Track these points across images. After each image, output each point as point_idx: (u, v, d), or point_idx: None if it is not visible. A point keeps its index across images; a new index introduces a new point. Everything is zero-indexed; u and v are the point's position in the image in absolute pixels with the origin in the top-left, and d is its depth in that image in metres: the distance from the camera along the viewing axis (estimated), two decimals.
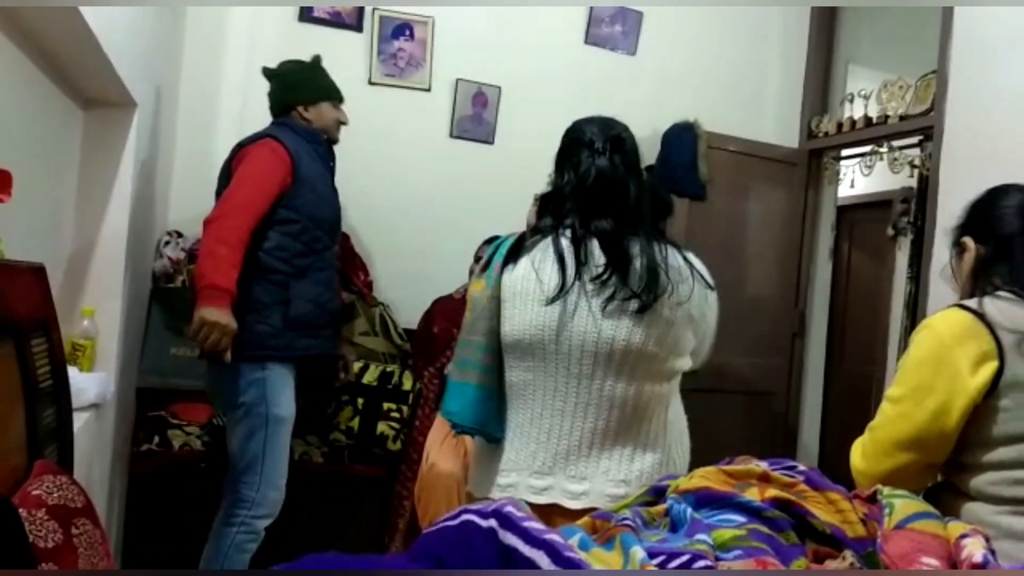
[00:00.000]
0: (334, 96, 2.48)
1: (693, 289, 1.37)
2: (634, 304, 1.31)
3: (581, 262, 1.35)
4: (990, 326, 1.29)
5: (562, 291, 1.34)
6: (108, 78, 1.87)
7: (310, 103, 2.43)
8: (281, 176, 2.22)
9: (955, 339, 1.30)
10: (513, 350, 1.40)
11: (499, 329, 1.40)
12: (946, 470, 1.41)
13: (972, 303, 1.34)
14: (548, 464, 1.37)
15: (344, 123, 2.51)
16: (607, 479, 1.34)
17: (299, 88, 2.44)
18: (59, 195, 2.00)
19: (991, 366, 1.27)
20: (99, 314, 2.10)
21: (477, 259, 2.71)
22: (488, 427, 1.42)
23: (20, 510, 0.98)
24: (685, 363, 1.43)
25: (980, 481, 1.32)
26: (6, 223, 1.43)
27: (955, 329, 1.31)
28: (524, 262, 1.40)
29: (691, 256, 1.43)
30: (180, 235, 2.85)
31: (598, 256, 1.36)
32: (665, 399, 1.41)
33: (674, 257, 1.39)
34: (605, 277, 1.33)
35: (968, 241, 1.48)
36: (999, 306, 1.32)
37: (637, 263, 1.34)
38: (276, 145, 2.24)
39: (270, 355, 2.21)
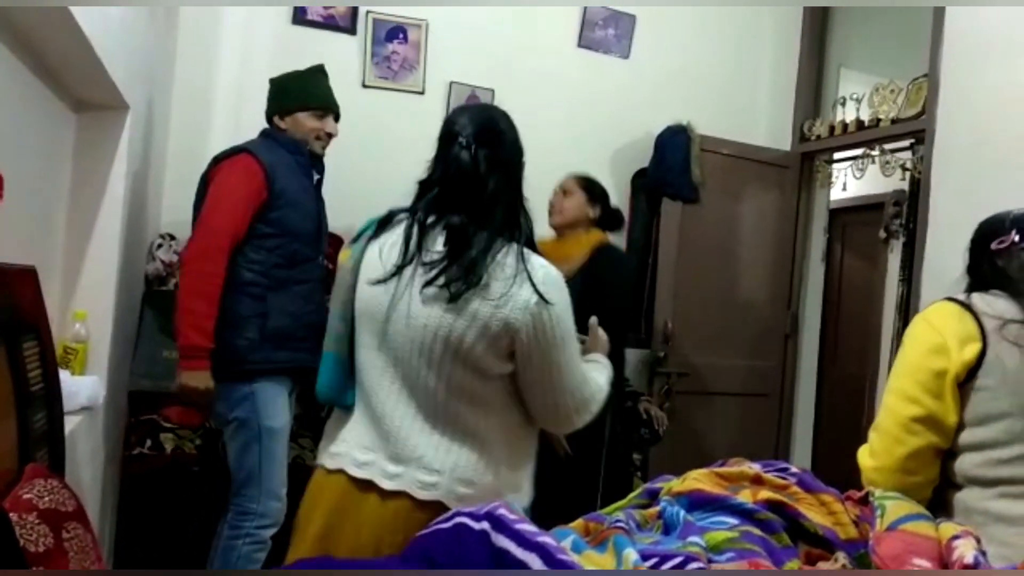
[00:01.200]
0: (313, 104, 2.38)
1: (510, 292, 1.31)
2: (445, 293, 1.31)
3: (417, 248, 1.36)
4: (974, 313, 1.37)
5: (397, 272, 1.36)
6: (101, 81, 1.87)
7: (284, 113, 2.36)
8: (254, 193, 2.19)
9: (942, 321, 1.38)
10: (358, 323, 1.43)
11: (353, 300, 1.43)
12: None
13: (960, 296, 1.42)
14: (371, 441, 1.39)
15: (331, 134, 2.42)
16: (420, 466, 1.34)
17: (277, 97, 2.40)
18: (51, 198, 1.99)
19: (975, 346, 1.34)
20: (91, 317, 2.09)
21: None
22: (340, 397, 1.45)
23: (11, 514, 0.98)
24: (504, 366, 1.37)
25: (964, 464, 1.36)
26: None
27: (943, 314, 1.40)
28: (380, 239, 1.42)
29: (538, 264, 1.37)
30: (173, 238, 2.84)
31: (438, 245, 1.36)
32: (488, 398, 1.38)
33: (510, 258, 1.35)
34: (433, 266, 1.34)
35: None
36: (986, 299, 1.40)
37: (468, 256, 1.33)
38: (249, 161, 2.20)
39: (252, 371, 2.21)
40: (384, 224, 1.45)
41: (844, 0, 3.86)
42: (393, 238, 1.41)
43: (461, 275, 1.31)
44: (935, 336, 1.37)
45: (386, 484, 1.34)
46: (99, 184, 2.13)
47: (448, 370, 1.34)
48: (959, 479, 1.37)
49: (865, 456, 1.45)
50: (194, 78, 3.04)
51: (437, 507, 1.29)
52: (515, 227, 1.38)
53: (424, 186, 1.44)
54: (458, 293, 1.30)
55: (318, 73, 2.45)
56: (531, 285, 1.32)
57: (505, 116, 1.51)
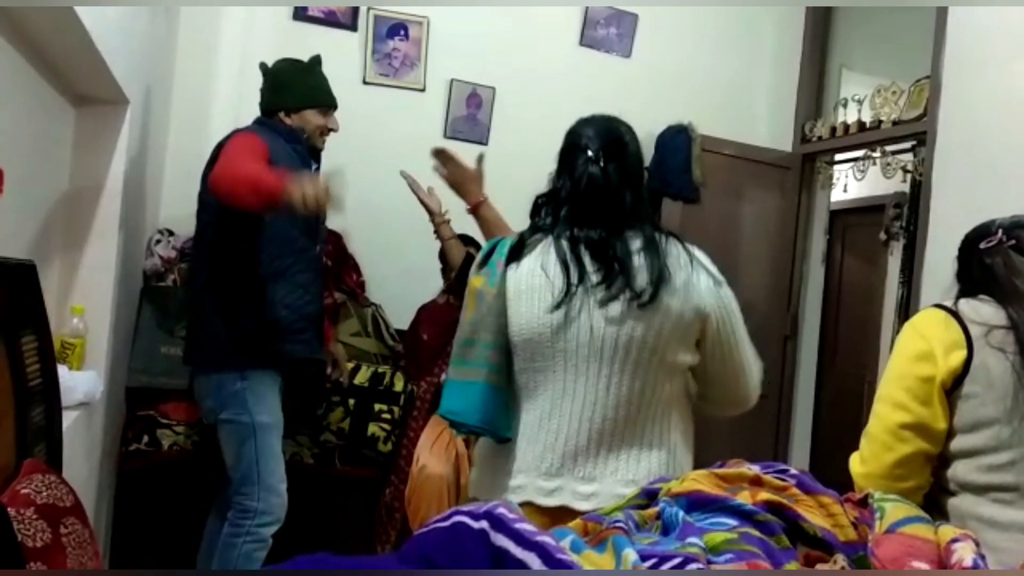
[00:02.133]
0: (322, 102, 2.38)
1: (691, 278, 1.36)
2: (635, 299, 1.32)
3: (582, 264, 1.36)
4: (960, 320, 1.37)
5: (568, 292, 1.35)
6: (101, 76, 1.86)
7: (294, 109, 2.34)
8: (261, 158, 2.12)
9: (929, 328, 1.39)
10: (522, 349, 1.40)
11: (506, 327, 1.40)
12: None
13: (947, 303, 1.43)
14: (556, 466, 1.36)
15: (333, 130, 2.42)
16: (616, 479, 1.34)
17: (285, 92, 2.36)
18: (50, 192, 1.98)
19: (960, 353, 1.34)
20: (89, 312, 2.09)
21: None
22: (496, 426, 1.41)
23: (9, 509, 0.97)
24: (690, 358, 1.40)
25: (956, 471, 1.37)
26: None
27: (930, 321, 1.40)
28: (529, 261, 1.41)
29: (694, 249, 1.43)
30: (171, 233, 2.83)
31: (589, 261, 1.38)
32: (671, 397, 1.40)
33: (674, 248, 1.39)
34: (604, 281, 1.35)
35: None
36: (972, 304, 1.40)
37: (635, 260, 1.35)
38: (254, 137, 2.17)
39: (247, 362, 2.18)
40: (520, 246, 1.44)
41: (845, 0, 3.86)
42: (540, 259, 1.40)
43: (647, 279, 1.33)
44: (921, 343, 1.38)
45: (582, 505, 1.33)
46: (98, 178, 2.13)
47: (643, 375, 1.35)
48: (952, 486, 1.38)
49: (856, 463, 1.46)
50: (194, 74, 3.03)
51: None
52: (658, 226, 1.43)
53: (553, 200, 1.45)
54: (652, 295, 1.32)
55: (318, 66, 2.42)
56: (705, 270, 1.38)
57: (628, 128, 1.53)
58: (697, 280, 1.37)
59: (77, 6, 1.43)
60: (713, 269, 1.41)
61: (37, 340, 1.30)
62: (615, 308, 1.33)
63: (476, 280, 1.44)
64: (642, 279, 1.33)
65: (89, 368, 2.08)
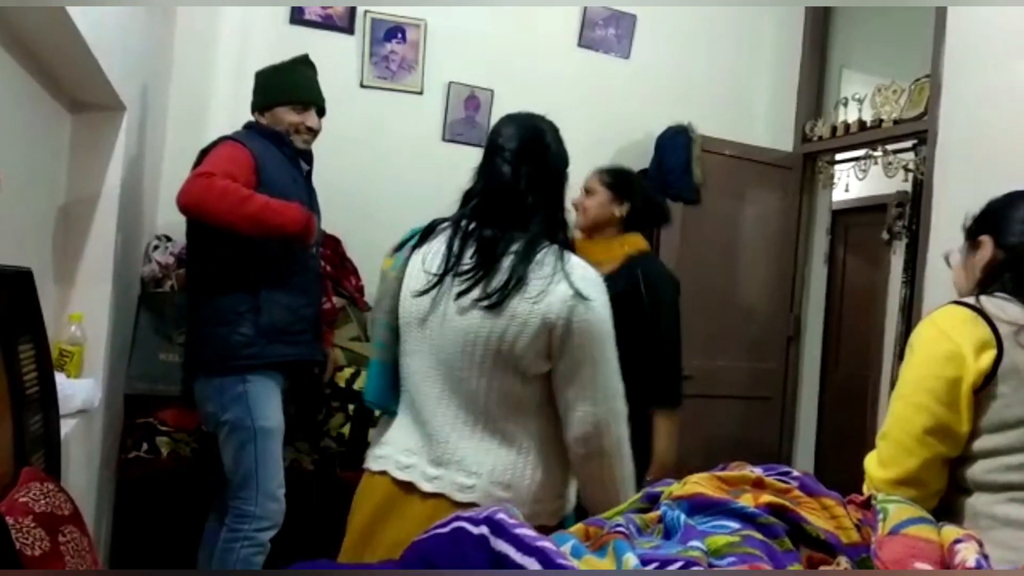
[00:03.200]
0: (294, 99, 2.30)
1: (548, 289, 1.34)
2: (483, 299, 1.35)
3: (456, 258, 1.41)
4: (987, 318, 1.33)
5: (437, 282, 1.40)
6: (97, 81, 1.86)
7: (264, 108, 2.31)
8: (246, 172, 2.11)
9: (955, 328, 1.34)
10: (401, 331, 1.48)
11: (398, 308, 1.47)
12: None
13: (970, 300, 1.38)
14: (414, 444, 1.43)
15: (312, 128, 2.34)
16: (459, 469, 1.38)
17: (258, 91, 2.35)
18: (47, 199, 1.98)
19: (991, 353, 1.31)
20: (87, 319, 2.08)
21: None
22: (386, 402, 1.51)
23: (7, 518, 0.97)
24: (542, 367, 1.38)
25: (975, 470, 1.34)
26: None
27: (955, 320, 1.35)
28: (423, 249, 1.47)
29: (575, 263, 1.39)
30: (169, 239, 2.82)
31: (470, 255, 1.41)
32: (526, 400, 1.40)
33: (548, 257, 1.38)
34: (467, 274, 1.38)
35: (986, 239, 1.47)
36: (996, 303, 1.36)
37: (504, 261, 1.37)
38: (237, 147, 2.16)
39: (246, 365, 2.17)
40: (427, 234, 1.49)
41: (846, 0, 3.85)
42: (436, 247, 1.45)
43: (502, 280, 1.35)
44: (947, 343, 1.33)
45: (426, 486, 1.39)
46: (95, 185, 2.12)
47: (489, 372, 1.36)
48: (968, 484, 1.35)
49: (873, 465, 1.41)
50: (191, 79, 3.03)
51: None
52: (553, 233, 1.43)
53: (467, 196, 1.48)
54: (500, 299, 1.34)
55: (301, 65, 2.38)
56: (568, 282, 1.35)
57: (552, 129, 1.53)
58: (554, 289, 1.34)
59: (71, 6, 1.43)
60: (583, 284, 1.36)
61: (34, 348, 1.29)
62: (464, 303, 1.37)
63: (386, 262, 1.52)
64: (498, 280, 1.35)
65: (87, 375, 2.07)
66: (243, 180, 2.08)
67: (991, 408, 1.32)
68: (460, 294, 1.37)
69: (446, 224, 1.48)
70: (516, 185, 1.43)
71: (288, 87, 2.33)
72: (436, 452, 1.39)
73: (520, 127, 1.49)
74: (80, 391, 1.90)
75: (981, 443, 1.33)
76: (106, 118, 2.12)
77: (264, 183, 2.16)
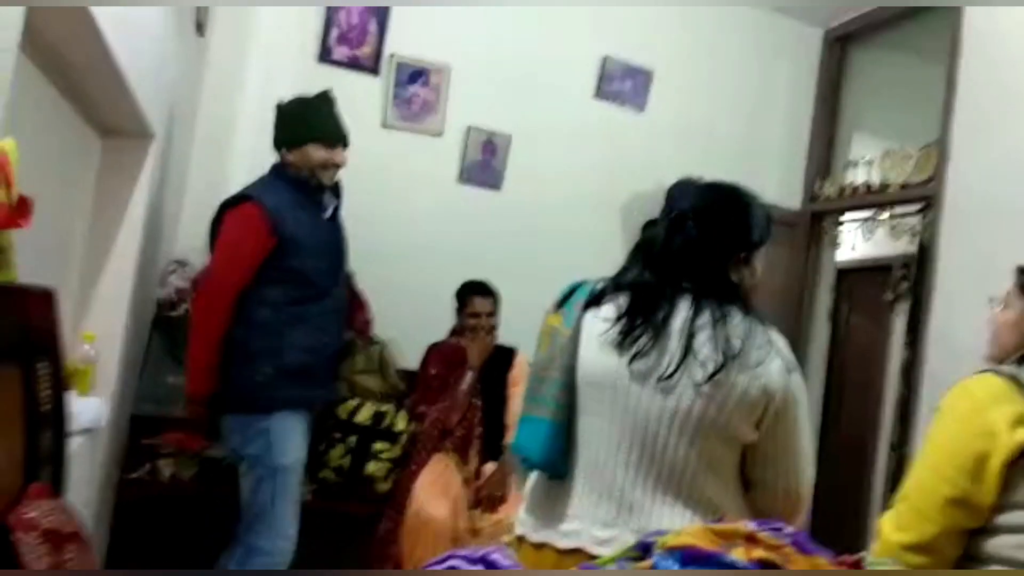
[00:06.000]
0: (323, 136, 2.32)
1: (765, 360, 1.35)
2: (700, 372, 1.32)
3: (659, 325, 1.36)
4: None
5: (637, 351, 1.35)
6: (129, 109, 1.92)
7: (293, 145, 2.31)
8: (260, 244, 2.19)
9: (991, 400, 1.31)
10: (585, 394, 1.41)
11: (575, 368, 1.41)
12: None
13: (1007, 369, 1.36)
14: (612, 516, 1.36)
15: (338, 165, 2.35)
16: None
17: (287, 127, 2.35)
18: (72, 221, 2.03)
19: None
20: (101, 339, 2.11)
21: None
22: (558, 465, 1.42)
23: (15, 532, 0.99)
24: (751, 435, 1.38)
25: (998, 544, 1.30)
26: (19, 246, 1.46)
27: (990, 391, 1.32)
28: (607, 309, 1.41)
29: (774, 333, 1.41)
30: (185, 264, 2.87)
31: (677, 323, 1.37)
32: (728, 470, 1.40)
33: (756, 327, 1.38)
34: (676, 348, 1.34)
35: None
36: None
37: (706, 332, 1.35)
38: (254, 211, 2.19)
39: (267, 406, 2.20)
40: (601, 294, 1.44)
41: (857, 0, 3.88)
42: (617, 309, 1.39)
43: (717, 351, 1.32)
44: (980, 418, 1.30)
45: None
46: (120, 208, 2.18)
47: (699, 442, 1.34)
48: (986, 556, 1.31)
49: (891, 528, 1.38)
50: (217, 112, 3.11)
51: None
52: (743, 300, 1.41)
53: (647, 255, 1.45)
54: (715, 370, 1.31)
55: (325, 101, 2.39)
56: (777, 352, 1.37)
57: (732, 193, 1.53)
58: (770, 361, 1.35)
59: (94, 6, 1.48)
60: (788, 353, 1.40)
61: (51, 367, 1.32)
62: (673, 372, 1.33)
63: (553, 319, 1.45)
64: (709, 351, 1.33)
65: (96, 394, 2.10)
66: (256, 252, 2.21)
67: (1021, 485, 1.28)
68: (670, 375, 1.33)
69: (620, 283, 1.44)
70: (701, 247, 1.41)
71: (316, 125, 2.34)
72: (640, 523, 1.33)
73: (702, 191, 1.52)
74: (87, 409, 1.93)
75: (1009, 518, 1.29)
76: (135, 144, 2.19)
77: (284, 239, 2.21)
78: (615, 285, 1.44)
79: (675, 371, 1.33)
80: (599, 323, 1.40)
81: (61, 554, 1.04)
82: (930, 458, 1.37)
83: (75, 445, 1.76)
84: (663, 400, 1.34)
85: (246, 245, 2.19)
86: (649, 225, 1.53)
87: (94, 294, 2.16)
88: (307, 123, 2.34)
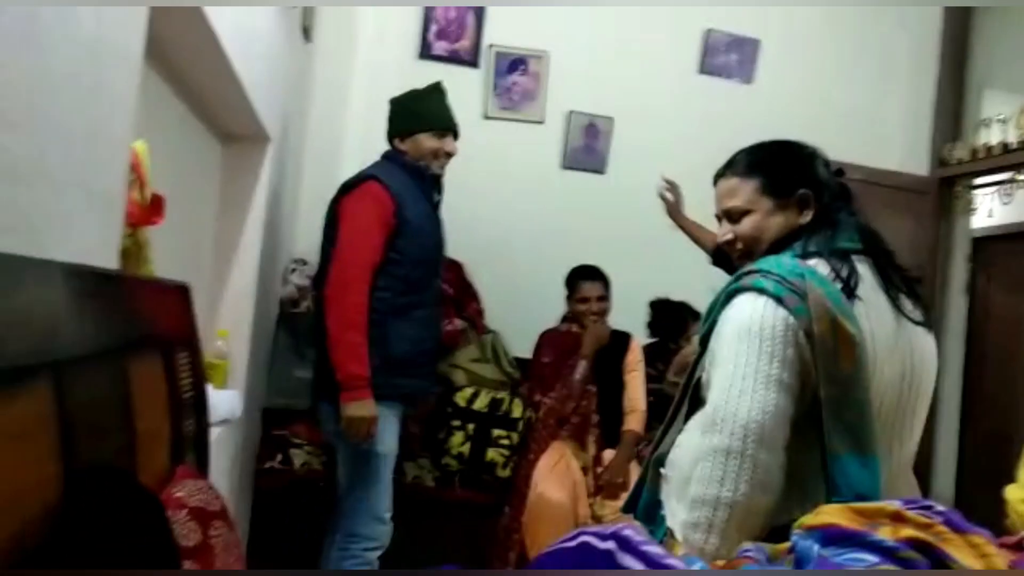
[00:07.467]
0: (434, 125, 2.34)
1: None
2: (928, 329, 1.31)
3: (899, 299, 1.29)
4: None
5: (899, 338, 1.27)
6: (247, 115, 2.01)
7: (405, 134, 2.34)
8: (385, 222, 2.21)
9: None
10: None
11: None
12: None
13: None
14: None
15: (450, 154, 2.37)
16: None
17: (398, 118, 2.38)
18: (200, 223, 2.15)
19: None
20: (231, 335, 2.23)
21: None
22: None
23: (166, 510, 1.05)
24: None
25: None
26: (154, 244, 1.55)
27: None
28: (877, 298, 1.27)
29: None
30: (305, 263, 2.99)
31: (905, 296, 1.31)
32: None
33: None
34: (920, 314, 1.32)
35: None
36: None
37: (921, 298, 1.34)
38: (378, 188, 2.21)
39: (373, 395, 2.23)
40: (848, 280, 1.26)
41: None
42: (870, 294, 1.26)
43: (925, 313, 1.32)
44: None
45: None
46: (242, 210, 2.29)
47: (920, 426, 1.37)
48: None
49: (1013, 489, 1.36)
50: (327, 112, 3.23)
51: None
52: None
53: (824, 221, 1.40)
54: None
55: (436, 92, 2.42)
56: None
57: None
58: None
59: (229, 50, 1.55)
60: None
61: (190, 357, 1.40)
62: (929, 348, 1.31)
63: (844, 322, 1.16)
64: (923, 312, 1.31)
65: (230, 387, 2.22)
66: (383, 231, 2.19)
67: None
68: (922, 344, 1.30)
69: (849, 266, 1.29)
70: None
71: (427, 114, 2.37)
72: None
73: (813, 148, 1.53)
74: (224, 401, 2.03)
75: None
76: (253, 149, 2.28)
77: (402, 220, 2.23)
78: (844, 267, 1.29)
79: (926, 344, 1.35)
80: (873, 319, 1.26)
81: (208, 530, 1.10)
82: None
83: (214, 436, 1.85)
84: (919, 384, 1.36)
85: (374, 220, 2.19)
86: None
87: (223, 293, 2.27)
88: (418, 113, 2.37)
